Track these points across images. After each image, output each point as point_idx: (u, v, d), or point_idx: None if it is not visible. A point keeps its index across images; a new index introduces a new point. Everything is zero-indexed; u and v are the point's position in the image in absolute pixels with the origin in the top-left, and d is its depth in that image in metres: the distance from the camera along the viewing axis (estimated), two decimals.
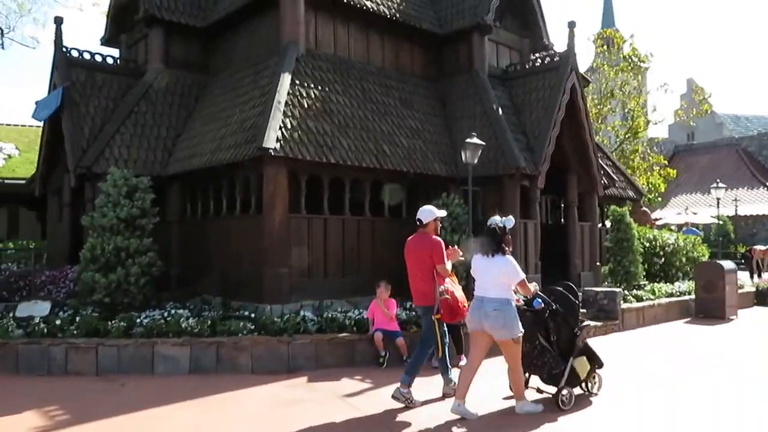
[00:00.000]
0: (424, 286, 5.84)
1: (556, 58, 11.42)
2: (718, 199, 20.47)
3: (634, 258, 12.25)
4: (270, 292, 8.62)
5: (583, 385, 6.10)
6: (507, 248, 5.47)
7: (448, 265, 5.91)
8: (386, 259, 9.91)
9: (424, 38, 12.22)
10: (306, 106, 9.42)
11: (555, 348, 5.84)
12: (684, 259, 14.76)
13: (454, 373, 6.21)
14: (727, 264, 12.52)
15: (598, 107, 24.82)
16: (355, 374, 7.34)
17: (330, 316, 8.15)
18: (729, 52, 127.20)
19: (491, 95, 11.21)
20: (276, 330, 7.70)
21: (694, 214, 28.01)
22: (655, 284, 12.74)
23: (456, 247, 6.31)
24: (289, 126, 8.89)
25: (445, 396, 6.10)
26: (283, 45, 10.08)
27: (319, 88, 9.92)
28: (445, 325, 5.99)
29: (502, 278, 5.33)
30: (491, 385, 6.27)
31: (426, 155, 10.68)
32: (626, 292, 11.33)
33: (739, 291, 14.40)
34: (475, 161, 9.47)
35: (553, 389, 5.87)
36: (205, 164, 9.58)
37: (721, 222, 27.69)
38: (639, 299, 11.42)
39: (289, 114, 9.05)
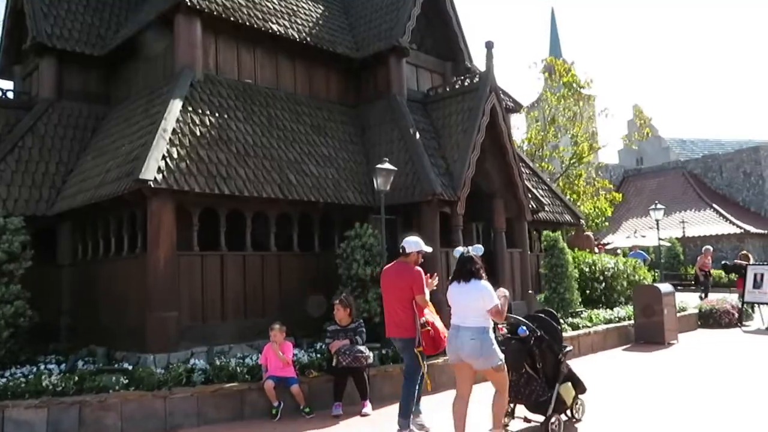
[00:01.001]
0: (403, 316, 5.68)
1: (476, 80, 11.00)
2: (657, 221, 20.31)
3: (570, 284, 11.68)
4: (154, 340, 7.69)
5: (568, 411, 6.01)
6: (482, 274, 5.31)
7: (426, 295, 5.79)
8: (297, 297, 9.14)
9: (340, 63, 11.71)
10: (198, 133, 8.67)
11: (541, 375, 5.76)
12: (625, 284, 14.28)
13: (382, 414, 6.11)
14: (665, 287, 12.07)
15: (542, 134, 24.81)
16: (243, 430, 6.47)
17: (219, 363, 7.26)
18: (674, 79, 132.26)
19: (408, 119, 10.68)
20: (153, 383, 6.76)
21: (643, 237, 27.92)
22: (593, 311, 12.18)
23: (434, 275, 6.10)
24: (175, 155, 8.11)
25: None
26: (178, 70, 9.38)
27: (217, 114, 9.20)
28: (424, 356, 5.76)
29: (479, 303, 5.13)
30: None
31: (339, 184, 10.00)
32: (562, 320, 10.71)
33: (683, 313, 14.04)
34: (388, 188, 8.85)
35: (540, 417, 5.77)
36: (88, 200, 8.69)
37: (669, 244, 27.67)
38: (575, 327, 10.80)
39: (177, 143, 8.28)
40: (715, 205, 33.60)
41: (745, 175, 34.87)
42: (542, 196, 14.00)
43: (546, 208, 13.69)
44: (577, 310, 11.83)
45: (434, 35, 12.47)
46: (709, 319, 14.16)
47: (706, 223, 32.72)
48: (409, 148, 10.20)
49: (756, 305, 14.37)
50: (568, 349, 6.01)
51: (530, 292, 11.59)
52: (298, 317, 8.79)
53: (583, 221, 18.39)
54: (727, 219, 31.95)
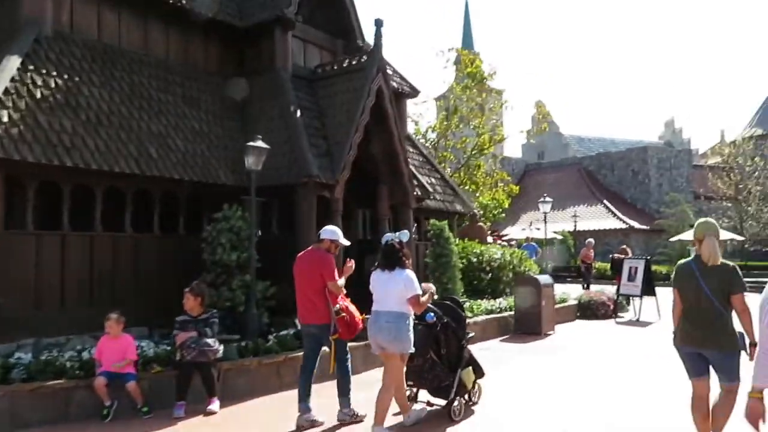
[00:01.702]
0: (317, 303, 5.65)
1: (363, 59, 10.52)
2: (545, 213, 20.85)
3: (453, 274, 11.57)
4: None
5: (467, 395, 6.19)
6: (407, 261, 5.36)
7: (341, 282, 5.73)
8: (156, 284, 8.32)
9: (221, 31, 10.84)
10: (39, 96, 7.62)
11: (445, 361, 5.87)
12: (511, 274, 14.45)
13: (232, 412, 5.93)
14: (544, 278, 12.24)
15: (445, 123, 24.87)
16: None
17: (46, 358, 6.39)
18: (580, 77, 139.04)
19: (290, 96, 10.04)
20: None
21: (537, 229, 28.89)
22: (477, 301, 12.16)
23: (351, 261, 5.95)
24: (5, 119, 7.05)
25: (340, 422, 5.77)
26: (22, 23, 8.22)
27: (66, 76, 8.15)
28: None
29: (401, 291, 5.19)
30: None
31: (209, 161, 9.24)
32: None
33: (563, 305, 14.41)
34: (260, 167, 8.20)
35: (441, 401, 5.95)
36: None
37: (561, 237, 28.81)
38: None
39: (10, 105, 7.21)
40: (605, 201, 35.39)
41: (634, 174, 36.94)
42: (434, 184, 13.83)
43: (437, 197, 13.54)
44: (461, 300, 11.74)
45: (325, 10, 11.87)
46: (587, 310, 14.64)
47: (597, 217, 34.40)
48: (289, 127, 9.59)
49: (630, 297, 15.01)
50: (470, 335, 6.19)
51: None
52: (157, 306, 8.00)
53: (476, 211, 18.57)
54: (614, 214, 33.73)
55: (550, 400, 6.70)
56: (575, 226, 30.89)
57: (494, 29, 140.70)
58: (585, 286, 19.17)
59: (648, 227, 32.36)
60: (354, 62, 10.63)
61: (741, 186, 31.80)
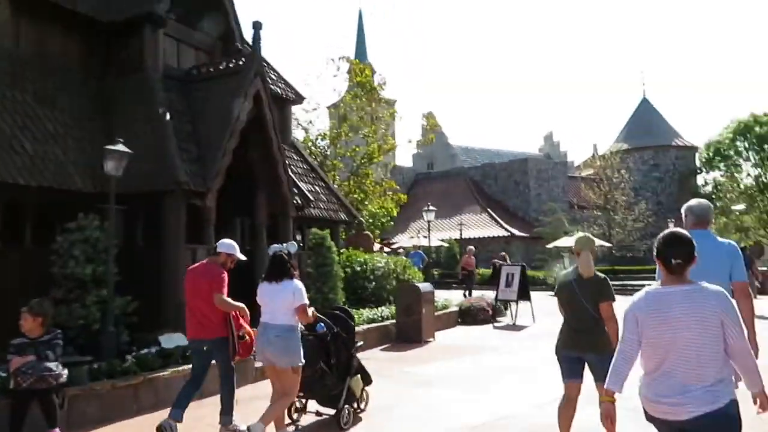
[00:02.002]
0: (210, 317, 5.56)
1: (242, 62, 10.14)
2: (429, 221, 21.27)
3: (335, 284, 11.42)
4: None
5: (355, 403, 6.26)
6: (295, 273, 5.42)
7: (226, 297, 5.58)
8: None
9: (86, 25, 10.00)
10: None
11: (335, 370, 5.92)
12: (394, 282, 14.55)
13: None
14: (424, 286, 12.42)
15: (335, 131, 24.82)
16: None
17: None
18: (466, 90, 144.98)
19: (159, 97, 9.44)
20: None
21: (425, 237, 29.56)
22: (358, 310, 12.08)
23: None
24: None
25: None
26: None
27: None
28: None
29: (289, 302, 5.22)
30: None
31: (64, 166, 8.44)
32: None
33: (445, 311, 14.73)
34: (120, 173, 7.61)
35: (331, 411, 6.03)
36: None
37: (447, 245, 29.65)
38: None
39: None
40: (489, 210, 36.95)
41: (515, 184, 38.92)
42: (318, 193, 13.64)
43: (321, 206, 13.35)
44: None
45: (203, 11, 11.33)
46: (468, 316, 15.05)
47: (481, 225, 35.82)
48: (157, 130, 9.00)
49: (508, 302, 15.63)
50: (359, 344, 6.36)
51: None
52: None
53: (362, 220, 18.61)
54: (498, 222, 35.28)
55: (428, 406, 6.89)
56: (461, 233, 31.91)
57: (388, 40, 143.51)
58: (467, 292, 19.76)
59: (528, 235, 34.15)
60: (231, 65, 10.22)
61: (609, 196, 34.45)
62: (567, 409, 4.83)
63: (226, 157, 9.11)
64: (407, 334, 11.75)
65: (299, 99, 14.16)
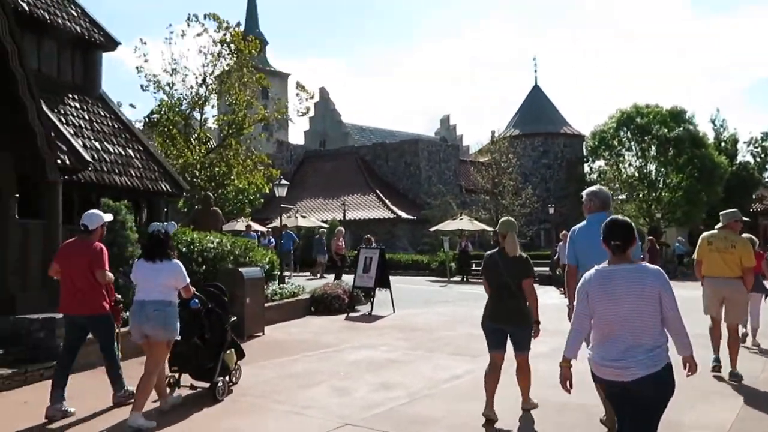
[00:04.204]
0: (88, 293, 5.55)
1: None
2: (281, 197, 19.07)
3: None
4: None
5: (228, 376, 6.30)
6: (173, 253, 5.57)
7: (108, 272, 5.62)
8: None
9: None
10: None
11: (209, 344, 6.04)
12: (231, 266, 12.39)
13: None
14: (252, 271, 10.42)
15: (197, 96, 22.14)
16: None
17: None
18: (362, 71, 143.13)
19: None
20: None
21: (303, 217, 27.53)
22: None
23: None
24: None
25: (116, 405, 5.75)
26: None
27: None
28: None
29: (169, 281, 5.37)
30: None
31: None
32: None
33: (293, 299, 12.86)
34: None
35: (205, 384, 6.07)
36: None
37: (327, 226, 27.75)
38: (126, 324, 8.24)
39: None
40: (377, 191, 35.45)
41: (406, 165, 37.66)
42: (132, 157, 11.19)
43: (131, 173, 10.90)
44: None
45: None
46: (320, 304, 13.23)
47: (368, 207, 34.26)
48: None
49: (371, 290, 13.93)
50: (233, 319, 6.48)
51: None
52: None
53: (209, 195, 16.23)
54: (385, 204, 33.85)
55: None
56: (344, 215, 30.15)
57: (284, 14, 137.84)
58: (335, 277, 17.97)
59: (415, 217, 32.98)
60: None
61: (496, 181, 33.96)
62: (492, 375, 5.21)
63: None
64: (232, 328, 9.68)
65: (110, 44, 11.53)
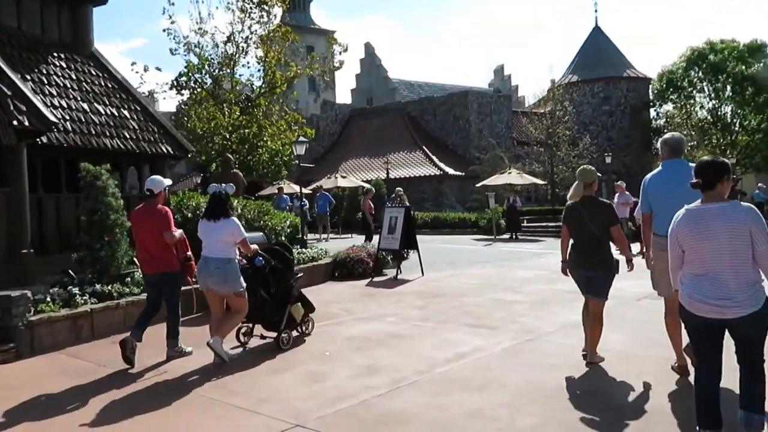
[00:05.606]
0: (161, 253, 6.02)
1: None
2: (300, 155, 17.86)
3: (115, 237, 8.37)
4: None
5: (299, 327, 6.79)
6: (232, 211, 6.00)
7: (176, 232, 6.05)
8: None
9: None
10: None
11: (274, 299, 6.40)
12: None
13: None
14: (252, 236, 9.38)
15: (225, 55, 21.28)
16: None
17: None
18: (411, 25, 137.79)
19: None
20: None
21: (343, 177, 26.56)
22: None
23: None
24: None
25: (169, 358, 6.05)
26: None
27: None
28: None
29: (228, 238, 5.76)
30: None
31: None
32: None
33: (314, 263, 11.95)
34: None
35: (274, 334, 6.44)
36: None
37: (368, 186, 26.68)
38: (102, 298, 7.58)
39: None
40: (424, 147, 33.98)
41: (455, 119, 35.87)
42: (126, 118, 10.41)
43: (125, 134, 10.13)
44: (127, 271, 8.62)
45: None
46: (344, 269, 12.28)
47: (414, 164, 32.93)
48: None
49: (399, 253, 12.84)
50: (299, 275, 6.98)
51: (24, 251, 7.84)
52: None
53: (229, 157, 15.41)
54: (431, 161, 32.39)
55: None
56: (387, 173, 28.99)
57: None
58: (366, 239, 16.99)
59: (463, 173, 31.42)
60: None
61: (551, 131, 31.76)
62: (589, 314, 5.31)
63: None
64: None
65: None
